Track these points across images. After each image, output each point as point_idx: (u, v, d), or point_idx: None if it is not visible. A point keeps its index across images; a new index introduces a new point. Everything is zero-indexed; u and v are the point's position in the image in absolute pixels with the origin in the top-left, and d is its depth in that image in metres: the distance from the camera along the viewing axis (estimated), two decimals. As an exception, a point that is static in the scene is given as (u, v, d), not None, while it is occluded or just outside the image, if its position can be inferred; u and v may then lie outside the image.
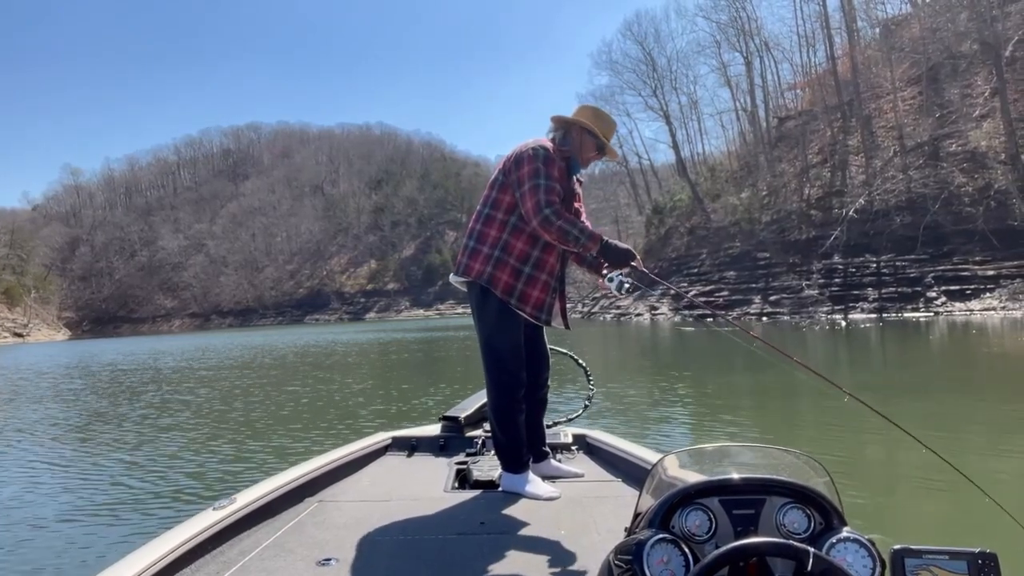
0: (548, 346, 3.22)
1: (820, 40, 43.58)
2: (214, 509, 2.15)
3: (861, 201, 31.31)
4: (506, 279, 2.66)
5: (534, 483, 2.67)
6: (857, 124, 35.94)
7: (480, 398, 3.47)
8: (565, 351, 3.66)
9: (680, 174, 52.13)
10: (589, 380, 3.64)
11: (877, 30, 41.52)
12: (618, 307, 44.87)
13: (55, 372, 23.35)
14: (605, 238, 2.61)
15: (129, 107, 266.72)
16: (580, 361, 3.71)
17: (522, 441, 2.72)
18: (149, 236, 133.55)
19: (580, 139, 2.73)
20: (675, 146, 52.29)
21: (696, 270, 40.28)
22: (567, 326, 2.97)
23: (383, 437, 3.43)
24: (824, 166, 37.09)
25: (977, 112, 29.85)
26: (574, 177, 2.80)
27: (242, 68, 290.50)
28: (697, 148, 55.67)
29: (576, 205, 2.82)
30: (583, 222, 2.65)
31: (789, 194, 38.16)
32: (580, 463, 3.09)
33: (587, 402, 3.61)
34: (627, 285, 2.66)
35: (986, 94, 30.06)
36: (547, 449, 2.97)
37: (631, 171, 61.57)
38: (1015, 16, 31.51)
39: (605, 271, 2.73)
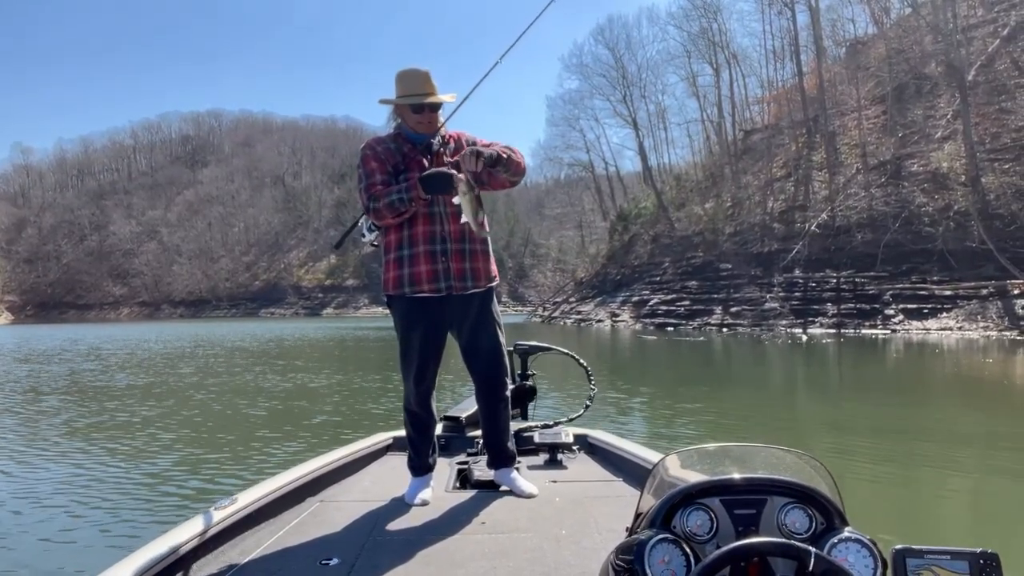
0: (541, 344, 3.62)
1: (788, 56, 44.00)
2: (215, 509, 2.14)
3: (823, 216, 31.50)
4: (392, 276, 2.63)
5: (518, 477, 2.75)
6: (821, 140, 36.23)
7: None
8: (567, 351, 3.75)
9: (646, 182, 52.13)
10: (590, 380, 3.67)
11: (844, 49, 42.07)
12: (579, 312, 44.71)
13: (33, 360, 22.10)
14: (419, 174, 2.51)
15: (85, 87, 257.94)
16: (581, 361, 3.71)
17: None
18: (100, 220, 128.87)
19: (402, 114, 2.71)
20: (642, 153, 52.32)
21: (658, 278, 40.18)
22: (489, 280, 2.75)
23: (384, 437, 3.46)
24: (788, 180, 37.33)
25: (939, 134, 30.22)
26: (434, 146, 2.72)
27: (205, 54, 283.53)
28: (664, 157, 55.63)
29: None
30: (401, 183, 2.55)
31: (753, 206, 38.33)
32: (581, 463, 3.13)
33: (588, 402, 3.65)
34: (467, 208, 2.45)
35: (948, 116, 30.46)
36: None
37: (597, 177, 61.55)
38: (978, 41, 32.08)
39: (455, 201, 2.52)
